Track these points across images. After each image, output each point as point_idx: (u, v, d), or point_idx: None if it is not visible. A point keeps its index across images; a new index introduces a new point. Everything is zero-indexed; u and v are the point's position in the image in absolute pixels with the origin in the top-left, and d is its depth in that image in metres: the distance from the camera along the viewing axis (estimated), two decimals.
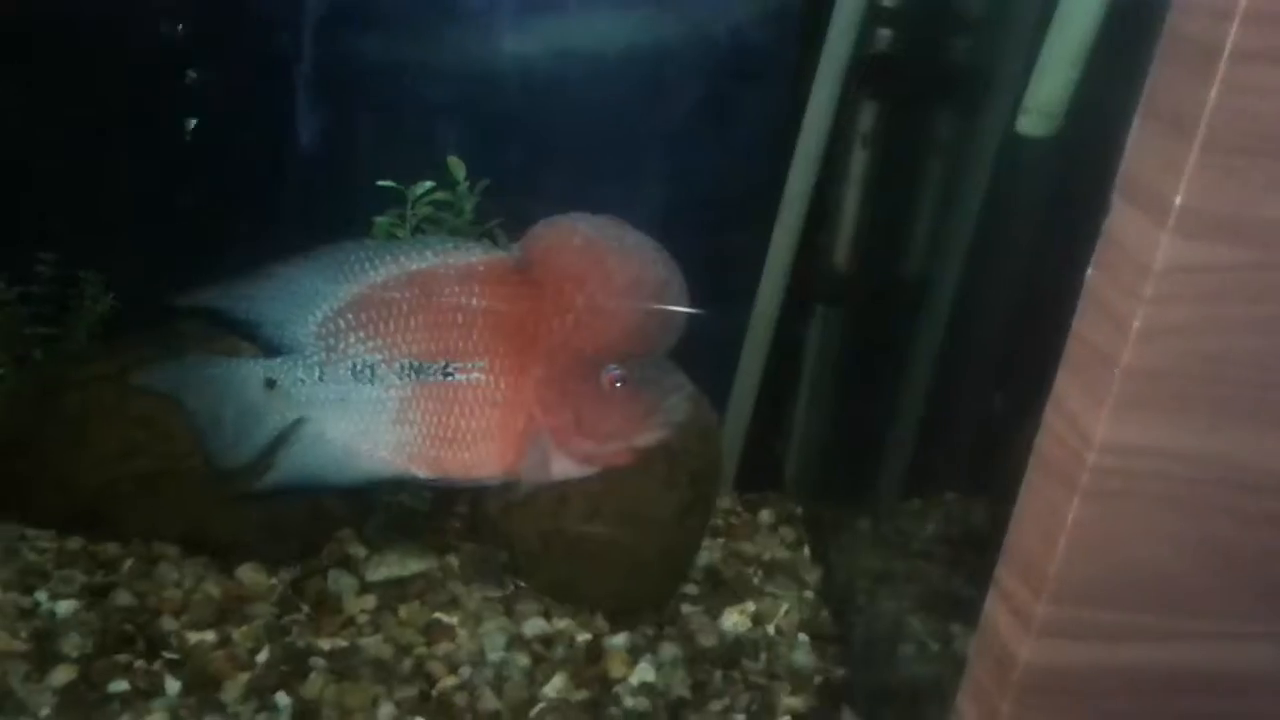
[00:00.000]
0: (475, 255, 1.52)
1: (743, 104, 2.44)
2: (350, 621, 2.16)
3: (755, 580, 2.45)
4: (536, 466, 1.56)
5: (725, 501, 2.69)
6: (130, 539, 2.27)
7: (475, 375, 1.51)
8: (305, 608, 2.18)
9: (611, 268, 1.49)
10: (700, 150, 2.45)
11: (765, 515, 2.72)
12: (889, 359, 2.38)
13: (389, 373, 1.52)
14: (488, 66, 2.39)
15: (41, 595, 2.14)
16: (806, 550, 2.60)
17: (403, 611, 2.20)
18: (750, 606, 2.34)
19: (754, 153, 2.47)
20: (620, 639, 2.19)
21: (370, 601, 2.21)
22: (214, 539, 2.24)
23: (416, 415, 1.52)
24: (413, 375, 1.52)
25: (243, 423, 1.54)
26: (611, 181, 2.38)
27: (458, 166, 2.18)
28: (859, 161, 2.44)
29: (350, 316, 1.52)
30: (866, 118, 2.42)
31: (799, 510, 2.75)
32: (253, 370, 1.54)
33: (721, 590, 2.39)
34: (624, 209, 1.52)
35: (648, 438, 1.55)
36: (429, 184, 2.16)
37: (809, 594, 2.42)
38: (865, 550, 2.43)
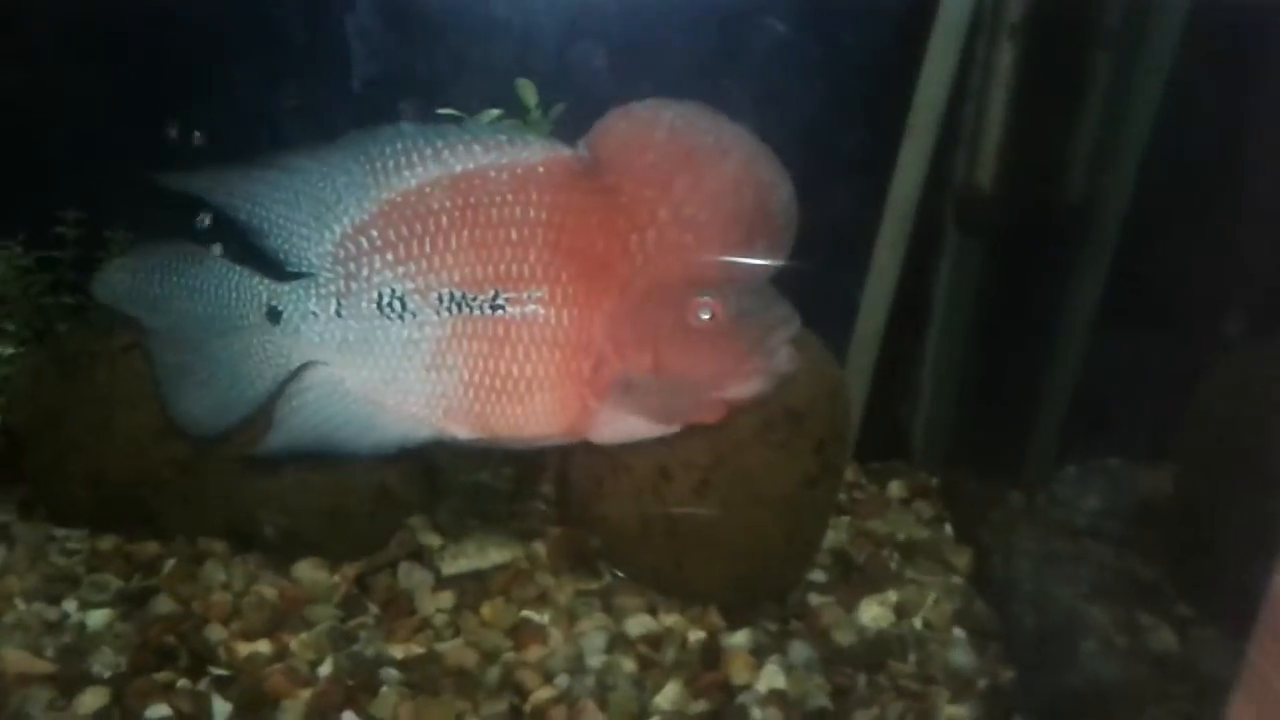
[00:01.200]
0: (534, 153, 1.28)
1: None
2: (426, 624, 1.98)
3: (892, 565, 2.22)
4: (608, 424, 1.32)
5: (846, 473, 2.42)
6: (171, 535, 2.12)
7: (532, 308, 1.28)
8: (373, 609, 2.01)
9: (702, 168, 1.24)
10: (813, 51, 2.18)
11: (894, 488, 2.50)
12: (1045, 295, 2.09)
13: (424, 305, 1.29)
14: None
15: (70, 605, 1.98)
16: (948, 529, 2.36)
17: (485, 610, 2.01)
18: (891, 596, 2.11)
19: (877, 52, 2.20)
20: (740, 637, 1.96)
21: (447, 599, 2.03)
22: (266, 531, 2.06)
23: (457, 359, 1.30)
24: (454, 308, 1.29)
25: (235, 364, 1.28)
26: (712, 83, 2.12)
27: (528, 89, 1.93)
28: (1005, 58, 2.15)
29: (375, 233, 1.28)
30: (1014, 4, 2.12)
31: (934, 482, 2.50)
32: (252, 289, 1.29)
33: (854, 577, 2.16)
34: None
35: (746, 386, 1.30)
36: (495, 112, 1.92)
37: (958, 580, 2.18)
38: (1026, 528, 2.15)
